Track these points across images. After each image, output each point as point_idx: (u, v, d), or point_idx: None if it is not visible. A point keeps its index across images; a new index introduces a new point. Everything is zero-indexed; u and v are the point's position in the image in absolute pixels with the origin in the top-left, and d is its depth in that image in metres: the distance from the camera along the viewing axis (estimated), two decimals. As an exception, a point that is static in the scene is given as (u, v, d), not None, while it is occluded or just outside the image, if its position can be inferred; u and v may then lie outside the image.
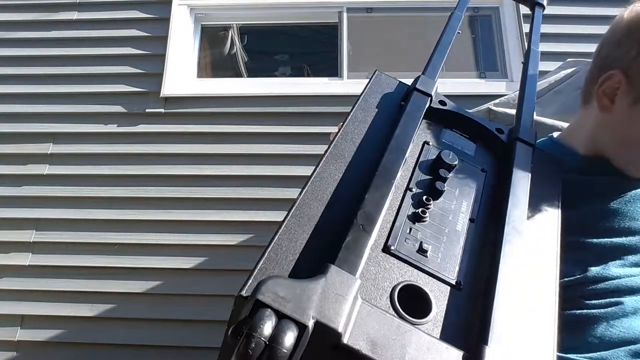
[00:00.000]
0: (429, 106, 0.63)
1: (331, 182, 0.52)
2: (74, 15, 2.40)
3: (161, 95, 2.20)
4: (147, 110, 2.19)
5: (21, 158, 2.16)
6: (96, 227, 2.01)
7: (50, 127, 2.20)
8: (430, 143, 0.61)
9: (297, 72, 4.07)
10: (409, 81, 0.68)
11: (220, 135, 2.14)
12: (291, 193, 1.98)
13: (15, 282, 1.96)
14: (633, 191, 0.70)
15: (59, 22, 2.40)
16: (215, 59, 2.94)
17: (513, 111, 1.19)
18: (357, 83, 2.20)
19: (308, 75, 3.75)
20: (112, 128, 2.18)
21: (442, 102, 0.65)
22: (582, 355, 0.57)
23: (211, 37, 2.78)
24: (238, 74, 3.50)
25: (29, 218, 2.05)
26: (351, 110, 0.62)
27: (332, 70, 2.36)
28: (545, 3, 0.82)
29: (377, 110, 0.63)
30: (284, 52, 4.07)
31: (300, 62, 4.00)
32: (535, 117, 0.79)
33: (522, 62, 0.76)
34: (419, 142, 0.60)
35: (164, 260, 1.95)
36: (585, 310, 0.60)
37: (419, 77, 0.66)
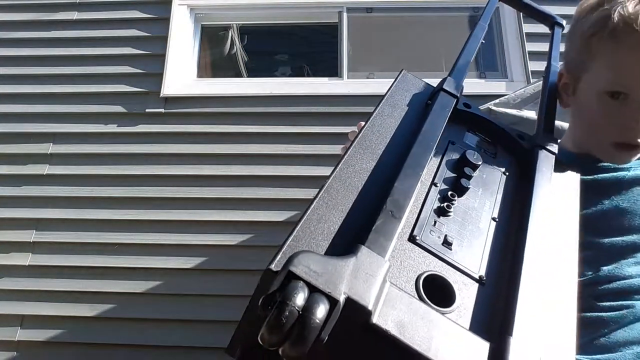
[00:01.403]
0: (455, 107, 0.65)
1: (358, 169, 0.53)
2: (74, 15, 2.40)
3: (161, 95, 2.20)
4: (147, 110, 2.19)
5: (21, 158, 2.15)
6: (96, 227, 2.01)
7: (50, 127, 2.20)
8: (455, 143, 0.62)
9: (297, 72, 4.07)
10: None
11: (220, 135, 2.14)
12: (291, 193, 1.98)
13: (15, 282, 1.96)
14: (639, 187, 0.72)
15: (59, 22, 2.40)
16: (215, 59, 2.95)
17: (513, 111, 1.19)
18: (357, 83, 2.20)
19: (308, 75, 3.76)
20: (112, 128, 2.18)
21: (466, 105, 0.67)
22: (590, 356, 0.57)
23: (211, 37, 2.79)
24: (238, 74, 3.50)
25: (29, 218, 2.05)
26: (377, 106, 0.63)
27: (332, 70, 2.35)
28: (564, 23, 0.89)
29: (403, 107, 0.64)
30: (284, 52, 4.07)
31: (300, 62, 4.00)
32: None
33: (543, 76, 0.81)
34: (444, 140, 0.61)
35: (164, 260, 1.95)
36: (596, 313, 0.61)
37: (445, 78, 0.68)
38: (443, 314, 0.42)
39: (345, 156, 0.54)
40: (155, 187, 2.07)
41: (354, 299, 0.37)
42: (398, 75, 0.70)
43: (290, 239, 0.43)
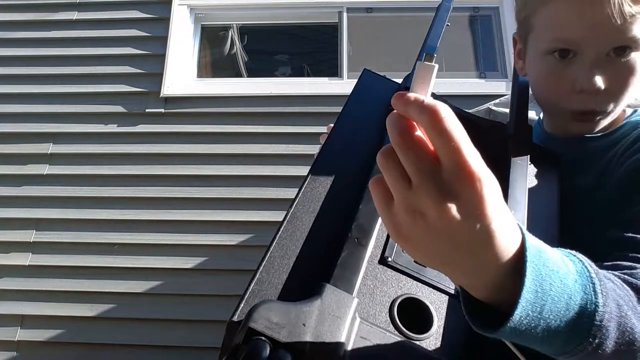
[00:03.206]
0: None
1: (323, 191, 0.50)
2: (74, 15, 2.40)
3: (161, 95, 2.20)
4: (147, 110, 2.19)
5: (21, 158, 2.15)
6: (96, 227, 2.01)
7: (50, 127, 2.20)
8: None
9: (297, 72, 4.07)
10: None
11: (220, 135, 2.14)
12: (291, 193, 1.97)
13: (15, 282, 1.96)
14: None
15: (59, 22, 2.40)
16: (215, 59, 2.94)
17: (513, 111, 1.19)
18: (357, 83, 2.20)
19: (308, 75, 3.75)
20: (112, 128, 2.18)
21: None
22: None
23: (211, 37, 2.78)
24: (238, 74, 3.50)
25: (29, 218, 2.04)
26: (340, 114, 0.60)
27: (332, 70, 2.35)
28: None
29: (367, 112, 0.61)
30: (284, 52, 4.07)
31: (300, 62, 4.00)
32: (533, 116, 0.79)
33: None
34: None
35: (164, 260, 1.95)
36: None
37: (408, 75, 0.65)
38: (420, 340, 0.40)
39: (308, 178, 0.51)
40: (155, 187, 2.06)
41: (320, 348, 0.35)
42: (360, 76, 0.66)
43: (253, 282, 0.41)
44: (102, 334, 1.88)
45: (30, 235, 2.02)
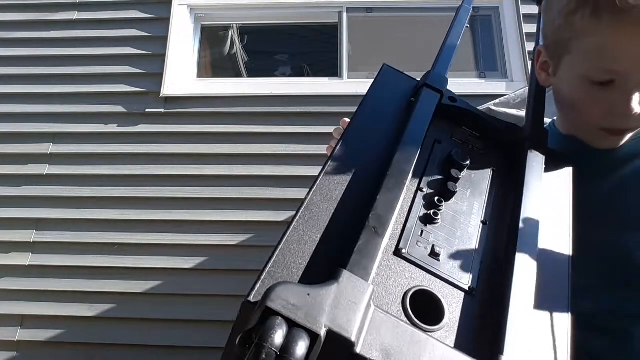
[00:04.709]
0: (440, 103, 0.62)
1: (340, 181, 0.50)
2: (74, 15, 2.41)
3: (161, 95, 2.20)
4: (147, 110, 2.19)
5: (21, 158, 2.16)
6: (96, 227, 2.01)
7: (50, 127, 2.20)
8: (441, 141, 0.59)
9: (297, 72, 4.07)
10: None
11: (220, 135, 2.14)
12: (291, 193, 1.98)
13: (15, 282, 1.96)
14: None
15: (59, 22, 2.40)
16: (215, 59, 2.95)
17: (513, 111, 1.19)
18: (357, 83, 2.20)
19: (308, 75, 3.76)
20: (112, 128, 2.18)
21: (452, 99, 0.64)
22: None
23: (211, 37, 2.79)
24: (238, 74, 3.50)
25: (29, 218, 2.05)
26: (359, 106, 0.60)
27: (332, 70, 2.36)
28: None
29: (386, 106, 0.62)
30: (284, 52, 4.08)
31: (300, 62, 4.01)
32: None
33: (531, 59, 0.75)
34: (430, 140, 0.59)
35: (164, 260, 1.95)
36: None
37: (429, 72, 0.65)
38: (431, 332, 0.41)
39: (326, 167, 0.51)
40: (155, 187, 2.07)
41: (336, 331, 0.35)
42: (380, 71, 0.67)
43: (269, 264, 0.41)
44: (102, 334, 1.88)
45: (30, 235, 2.02)
